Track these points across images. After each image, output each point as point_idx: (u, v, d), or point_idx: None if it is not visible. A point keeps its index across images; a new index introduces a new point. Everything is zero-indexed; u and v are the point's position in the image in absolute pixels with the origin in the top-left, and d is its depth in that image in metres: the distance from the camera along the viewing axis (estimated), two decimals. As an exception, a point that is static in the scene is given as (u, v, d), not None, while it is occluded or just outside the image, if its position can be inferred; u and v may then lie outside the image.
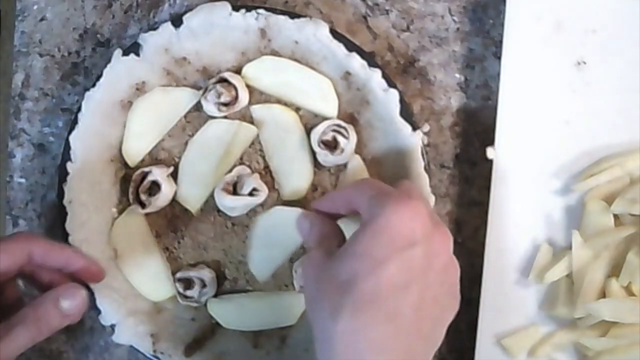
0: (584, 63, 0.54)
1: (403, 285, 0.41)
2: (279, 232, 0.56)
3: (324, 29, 0.53)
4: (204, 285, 0.56)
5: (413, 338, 0.42)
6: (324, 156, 0.55)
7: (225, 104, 0.56)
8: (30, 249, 0.50)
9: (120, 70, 0.56)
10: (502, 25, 0.54)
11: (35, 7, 0.61)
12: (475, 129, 0.57)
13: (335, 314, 0.41)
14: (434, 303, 0.43)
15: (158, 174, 0.56)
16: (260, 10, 0.54)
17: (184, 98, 0.57)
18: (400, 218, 0.42)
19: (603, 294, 0.51)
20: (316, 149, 0.55)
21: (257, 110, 0.56)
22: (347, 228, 0.48)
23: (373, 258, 0.41)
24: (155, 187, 0.57)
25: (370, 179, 0.48)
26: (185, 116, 0.58)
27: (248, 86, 0.56)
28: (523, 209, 0.54)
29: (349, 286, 0.41)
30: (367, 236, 0.42)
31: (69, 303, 0.49)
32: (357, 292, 0.41)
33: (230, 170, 0.56)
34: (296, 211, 0.54)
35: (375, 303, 0.41)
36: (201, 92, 0.56)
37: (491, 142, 0.54)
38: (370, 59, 0.54)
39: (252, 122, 0.57)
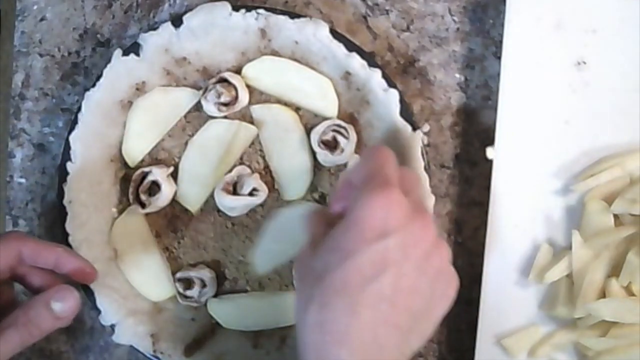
0: (584, 63, 0.54)
1: (372, 277, 0.41)
2: (296, 228, 0.56)
3: (324, 29, 0.53)
4: (204, 285, 0.56)
5: (382, 329, 0.41)
6: (324, 156, 0.55)
7: (225, 104, 0.56)
8: (19, 249, 0.50)
9: (120, 70, 0.56)
10: (502, 25, 0.54)
11: (35, 7, 0.61)
12: (475, 129, 0.57)
13: (307, 306, 0.41)
14: (411, 293, 0.42)
15: (158, 174, 0.56)
16: (260, 10, 0.54)
17: (184, 98, 0.57)
18: (372, 209, 0.41)
19: (603, 294, 0.51)
20: (316, 149, 0.55)
21: (257, 110, 0.56)
22: None
23: (343, 250, 0.41)
24: (155, 187, 0.57)
25: (368, 159, 0.46)
26: (185, 116, 0.58)
27: (248, 86, 0.56)
28: (523, 209, 0.54)
29: (320, 279, 0.41)
30: (340, 229, 0.42)
31: (61, 305, 0.49)
32: (325, 284, 0.41)
33: (230, 170, 0.56)
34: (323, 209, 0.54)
35: (341, 295, 0.41)
36: (201, 92, 0.56)
37: (491, 142, 0.54)
38: (370, 59, 0.54)
39: (252, 122, 0.57)
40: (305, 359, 0.42)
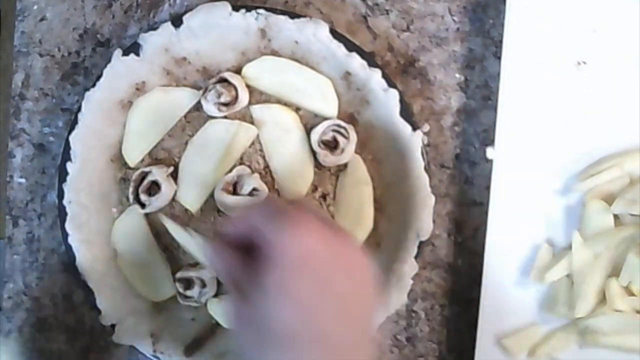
0: (584, 63, 0.54)
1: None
2: None
3: (324, 29, 0.53)
4: (204, 285, 0.56)
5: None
6: (324, 156, 0.55)
7: (225, 104, 0.56)
8: None
9: (120, 70, 0.56)
10: (502, 25, 0.54)
11: (35, 7, 0.61)
12: (475, 129, 0.57)
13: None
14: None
15: (158, 174, 0.56)
16: (260, 10, 0.54)
17: (184, 98, 0.57)
18: (299, 241, 0.40)
19: (603, 294, 0.51)
20: (316, 149, 0.55)
21: (257, 110, 0.56)
22: None
23: (304, 304, 0.40)
24: (155, 187, 0.57)
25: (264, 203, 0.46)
26: (185, 116, 0.58)
27: (248, 86, 0.56)
28: (523, 209, 0.54)
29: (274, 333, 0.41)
30: (274, 272, 0.41)
31: None
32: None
33: (230, 170, 0.56)
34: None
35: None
36: (201, 92, 0.56)
37: (491, 142, 0.54)
38: (370, 59, 0.54)
39: (252, 122, 0.57)
40: None
